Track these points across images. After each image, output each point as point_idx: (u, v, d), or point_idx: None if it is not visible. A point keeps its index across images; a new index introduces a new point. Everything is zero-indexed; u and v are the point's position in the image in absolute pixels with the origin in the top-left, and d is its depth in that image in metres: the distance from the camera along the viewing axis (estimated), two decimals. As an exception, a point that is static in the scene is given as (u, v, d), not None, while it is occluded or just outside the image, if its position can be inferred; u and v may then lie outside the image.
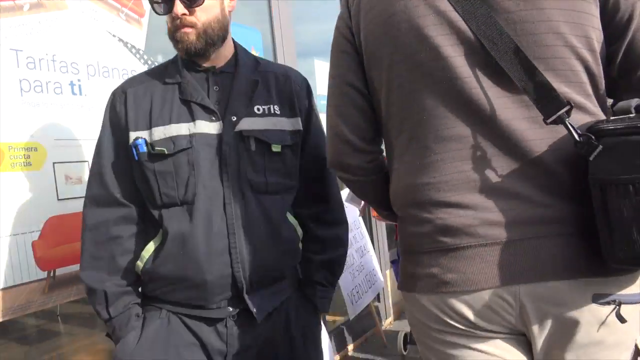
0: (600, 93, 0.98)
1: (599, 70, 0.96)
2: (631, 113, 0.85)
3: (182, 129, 1.36)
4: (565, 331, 0.93)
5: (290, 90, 1.51)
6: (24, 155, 1.79)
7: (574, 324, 0.92)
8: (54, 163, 1.87)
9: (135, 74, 2.19)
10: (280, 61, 3.12)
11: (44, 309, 4.13)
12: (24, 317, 3.97)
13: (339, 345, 3.35)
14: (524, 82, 0.90)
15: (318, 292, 1.55)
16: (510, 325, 0.97)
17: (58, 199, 1.87)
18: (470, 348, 1.00)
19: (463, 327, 0.98)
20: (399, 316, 4.11)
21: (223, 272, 1.32)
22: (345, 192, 3.46)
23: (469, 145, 0.96)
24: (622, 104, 0.88)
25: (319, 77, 3.67)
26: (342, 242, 1.62)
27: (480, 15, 0.92)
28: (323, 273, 1.56)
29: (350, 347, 3.48)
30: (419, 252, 1.02)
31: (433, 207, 0.99)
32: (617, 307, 0.89)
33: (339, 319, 3.53)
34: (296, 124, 1.49)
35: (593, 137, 0.86)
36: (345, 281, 3.19)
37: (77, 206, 1.94)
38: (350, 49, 1.11)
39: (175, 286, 1.36)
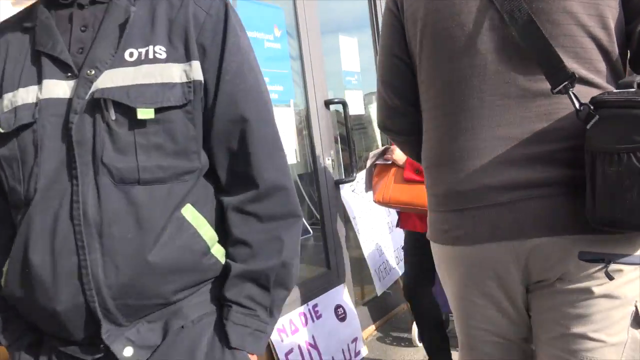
0: (617, 69, 1.03)
1: (613, 47, 1.01)
2: (632, 88, 0.91)
3: (29, 94, 0.96)
4: (559, 282, 1.04)
5: (185, 19, 0.97)
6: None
7: (564, 276, 1.03)
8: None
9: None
10: (304, 39, 3.10)
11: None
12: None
13: (367, 320, 3.39)
14: (536, 54, 0.98)
15: (233, 317, 0.99)
16: (509, 277, 1.08)
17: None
18: (476, 294, 1.15)
19: (465, 275, 1.14)
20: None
21: (75, 300, 0.91)
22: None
23: (467, 117, 1.08)
24: (627, 78, 0.95)
25: (344, 52, 3.63)
26: (280, 247, 1.02)
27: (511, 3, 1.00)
28: (245, 288, 1.00)
29: (379, 322, 3.51)
30: (436, 211, 1.18)
31: (441, 171, 1.14)
32: (606, 265, 0.97)
33: (367, 294, 3.56)
34: (193, 71, 0.96)
35: (592, 107, 0.93)
36: (372, 257, 3.21)
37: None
38: (396, 22, 1.22)
39: (32, 316, 0.99)
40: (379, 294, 3.28)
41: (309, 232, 6.11)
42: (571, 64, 0.98)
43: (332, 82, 3.56)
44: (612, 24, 0.99)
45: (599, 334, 1.02)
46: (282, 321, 2.71)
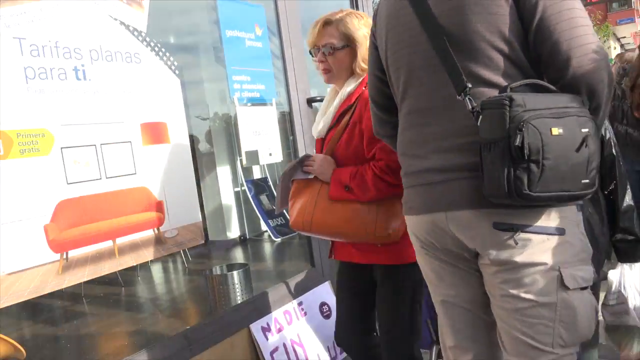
0: (526, 72, 1.25)
1: (516, 54, 1.23)
2: (507, 91, 1.15)
3: None
4: (483, 251, 1.26)
5: None
6: (32, 141, 1.83)
7: (485, 245, 1.25)
8: (61, 148, 1.92)
9: (138, 56, 2.22)
10: (285, 37, 3.10)
11: (69, 292, 4.25)
12: (51, 299, 4.12)
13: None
14: (446, 69, 1.26)
15: None
16: (455, 246, 1.32)
17: (67, 183, 1.92)
18: (431, 259, 1.43)
19: (423, 243, 1.42)
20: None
21: None
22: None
23: (418, 117, 1.38)
24: (515, 83, 1.17)
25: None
26: None
27: (430, 22, 1.29)
28: None
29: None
30: (404, 187, 1.47)
31: (405, 158, 1.44)
32: (514, 233, 1.19)
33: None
34: None
35: (479, 108, 1.17)
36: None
37: (86, 189, 1.99)
38: (373, 48, 1.54)
39: None
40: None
41: (295, 232, 6.10)
42: (482, 71, 1.24)
43: (314, 80, 3.56)
44: (512, 37, 1.22)
45: (530, 295, 1.21)
46: (267, 319, 2.71)
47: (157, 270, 5.55)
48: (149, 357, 2.20)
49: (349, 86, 1.90)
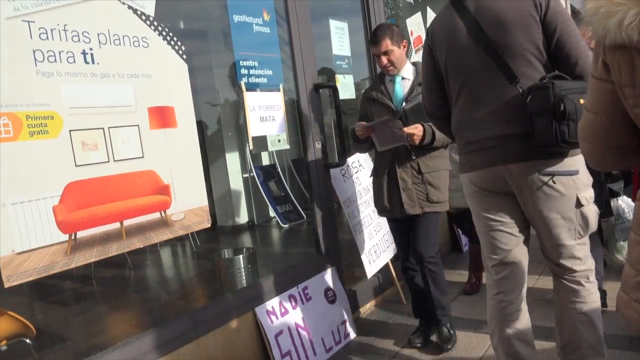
0: (548, 69, 1.89)
1: (543, 58, 1.89)
2: (545, 80, 1.77)
3: None
4: (529, 190, 1.89)
5: None
6: (41, 124, 1.86)
7: (531, 188, 1.88)
8: (70, 131, 1.95)
9: (146, 40, 2.24)
10: (293, 23, 3.10)
11: (80, 273, 4.31)
12: (62, 281, 4.20)
13: (357, 303, 3.43)
14: (498, 67, 1.89)
15: None
16: (506, 190, 1.95)
17: (76, 165, 1.95)
18: (485, 198, 2.02)
19: (479, 189, 2.02)
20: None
21: None
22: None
23: (474, 103, 1.97)
24: (548, 75, 1.81)
25: (335, 37, 3.64)
26: None
27: (481, 36, 1.92)
28: None
29: (368, 305, 3.55)
30: (461, 154, 2.07)
31: (464, 132, 2.02)
32: (551, 177, 1.85)
33: (357, 277, 3.60)
34: None
35: (528, 91, 1.81)
36: (362, 241, 3.25)
37: (94, 172, 2.02)
38: (429, 55, 2.14)
39: None
40: (369, 277, 3.32)
41: (303, 218, 6.13)
42: (522, 68, 1.88)
43: (322, 66, 3.56)
44: (541, 47, 1.88)
45: (556, 214, 1.91)
46: (272, 303, 2.74)
47: (166, 254, 5.61)
48: (155, 337, 2.24)
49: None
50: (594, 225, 1.96)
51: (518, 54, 1.87)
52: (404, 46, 2.75)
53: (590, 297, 1.98)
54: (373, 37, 2.71)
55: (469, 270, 3.83)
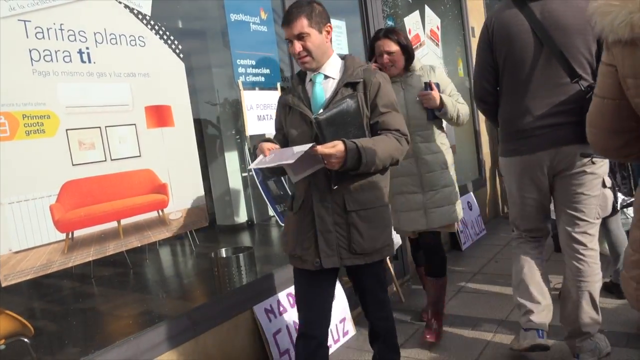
0: (595, 73, 2.20)
1: (593, 62, 2.25)
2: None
3: None
4: (569, 168, 2.29)
5: None
6: (38, 123, 1.87)
7: (572, 165, 2.28)
8: (67, 130, 1.95)
9: (142, 39, 2.24)
10: (290, 22, 3.09)
11: (78, 272, 4.31)
12: (61, 280, 4.20)
13: (355, 302, 3.42)
14: (561, 65, 2.24)
15: None
16: (546, 172, 2.34)
17: (72, 164, 1.95)
18: (526, 183, 2.43)
19: (518, 170, 2.42)
20: (416, 273, 4.16)
21: None
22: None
23: (536, 93, 2.30)
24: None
25: (333, 35, 3.63)
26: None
27: (547, 37, 2.25)
28: None
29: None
30: (506, 141, 2.45)
31: (517, 120, 2.36)
32: (591, 158, 2.24)
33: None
34: None
35: (588, 89, 2.17)
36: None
37: (91, 171, 2.02)
38: (488, 50, 2.44)
39: None
40: (367, 275, 3.32)
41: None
42: (579, 70, 2.22)
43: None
44: (593, 53, 2.24)
45: (588, 191, 2.30)
46: (270, 302, 2.75)
47: (164, 253, 5.61)
48: (153, 336, 2.25)
49: None
50: (609, 208, 2.41)
51: (575, 56, 2.22)
52: (328, 32, 2.00)
53: (594, 277, 2.34)
54: (285, 15, 1.98)
55: (426, 315, 3.07)
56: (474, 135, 5.74)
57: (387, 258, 3.47)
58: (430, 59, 4.84)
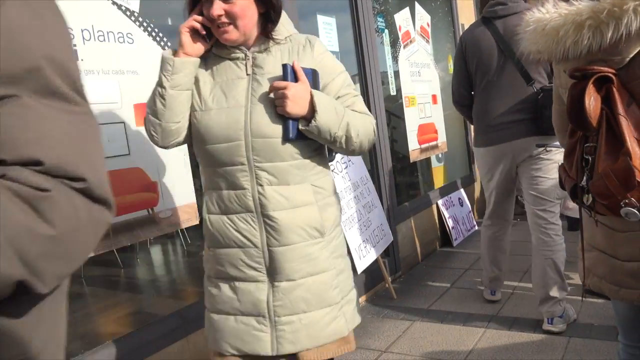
0: (550, 77, 2.70)
1: (547, 67, 2.70)
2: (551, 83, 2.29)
3: None
4: (529, 157, 2.78)
5: None
6: (25, 121, 1.84)
7: (531, 154, 2.76)
8: (54, 128, 1.92)
9: (130, 36, 2.22)
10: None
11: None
12: (50, 280, 4.16)
13: (349, 298, 3.43)
14: (519, 71, 2.77)
15: None
16: (511, 160, 2.85)
17: (60, 163, 1.93)
18: (494, 168, 2.96)
19: (488, 158, 2.96)
20: (408, 270, 4.18)
21: None
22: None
23: (495, 98, 2.84)
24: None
25: (323, 32, 3.63)
26: None
27: (507, 47, 2.78)
28: None
29: (359, 300, 3.56)
30: (479, 134, 2.98)
31: (485, 118, 2.90)
32: (545, 147, 2.70)
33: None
34: None
35: (541, 91, 2.73)
36: (352, 236, 3.25)
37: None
38: (462, 60, 3.01)
39: None
40: (359, 272, 3.32)
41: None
42: (534, 75, 2.73)
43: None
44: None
45: (545, 174, 2.75)
46: (262, 300, 2.74)
47: (156, 252, 5.58)
48: (144, 335, 2.23)
49: None
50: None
51: (532, 63, 2.68)
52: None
53: (557, 247, 2.76)
54: None
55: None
56: (465, 131, 5.75)
57: (379, 255, 3.48)
58: (420, 56, 4.84)
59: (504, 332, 2.85)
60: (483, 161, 3.01)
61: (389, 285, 3.62)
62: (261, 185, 1.52)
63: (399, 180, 4.82)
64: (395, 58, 4.60)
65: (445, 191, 5.03)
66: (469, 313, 3.18)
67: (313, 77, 1.55)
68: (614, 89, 1.20)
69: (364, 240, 3.36)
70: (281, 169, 1.53)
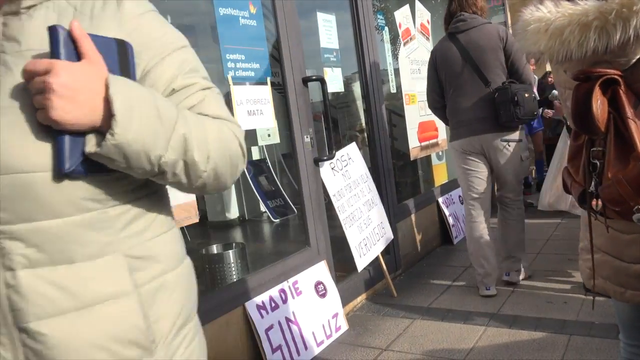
0: (505, 77, 3.36)
1: (504, 70, 3.36)
2: (506, 82, 3.30)
3: None
4: (495, 150, 3.36)
5: None
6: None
7: (496, 149, 3.35)
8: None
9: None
10: (280, 15, 3.08)
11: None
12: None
13: (348, 297, 3.43)
14: (478, 74, 3.36)
15: None
16: (480, 151, 3.40)
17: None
18: (467, 159, 3.46)
19: (462, 151, 3.46)
20: (408, 268, 4.17)
21: None
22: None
23: (462, 98, 3.42)
24: (506, 80, 3.34)
25: (323, 30, 3.62)
26: None
27: (468, 57, 3.38)
28: None
29: (359, 298, 3.55)
30: (452, 130, 3.53)
31: (456, 114, 3.45)
32: (507, 142, 3.32)
33: (348, 270, 3.60)
34: None
35: (496, 90, 3.30)
36: (352, 234, 3.24)
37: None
38: (433, 70, 3.57)
39: None
40: (359, 270, 3.32)
41: (294, 212, 6.12)
42: (492, 76, 3.33)
43: (310, 60, 3.54)
44: (504, 64, 3.35)
45: (509, 165, 3.37)
46: (262, 298, 2.74)
47: (156, 251, 5.58)
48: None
49: None
50: (526, 172, 3.52)
51: (490, 68, 3.30)
52: None
53: (517, 218, 3.49)
54: None
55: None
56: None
57: (380, 252, 3.48)
58: (421, 54, 4.83)
59: (505, 330, 2.85)
60: (457, 153, 3.46)
61: (389, 283, 3.61)
62: (12, 269, 0.76)
63: (399, 178, 4.82)
64: (395, 55, 4.59)
65: (445, 189, 5.02)
66: (470, 311, 3.17)
67: (119, 53, 0.83)
68: (621, 92, 1.16)
69: (364, 238, 3.35)
70: (53, 235, 0.78)
